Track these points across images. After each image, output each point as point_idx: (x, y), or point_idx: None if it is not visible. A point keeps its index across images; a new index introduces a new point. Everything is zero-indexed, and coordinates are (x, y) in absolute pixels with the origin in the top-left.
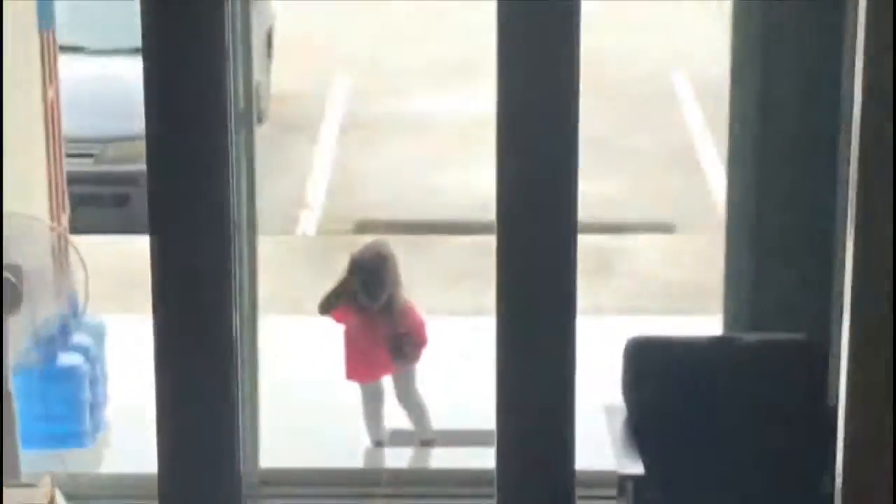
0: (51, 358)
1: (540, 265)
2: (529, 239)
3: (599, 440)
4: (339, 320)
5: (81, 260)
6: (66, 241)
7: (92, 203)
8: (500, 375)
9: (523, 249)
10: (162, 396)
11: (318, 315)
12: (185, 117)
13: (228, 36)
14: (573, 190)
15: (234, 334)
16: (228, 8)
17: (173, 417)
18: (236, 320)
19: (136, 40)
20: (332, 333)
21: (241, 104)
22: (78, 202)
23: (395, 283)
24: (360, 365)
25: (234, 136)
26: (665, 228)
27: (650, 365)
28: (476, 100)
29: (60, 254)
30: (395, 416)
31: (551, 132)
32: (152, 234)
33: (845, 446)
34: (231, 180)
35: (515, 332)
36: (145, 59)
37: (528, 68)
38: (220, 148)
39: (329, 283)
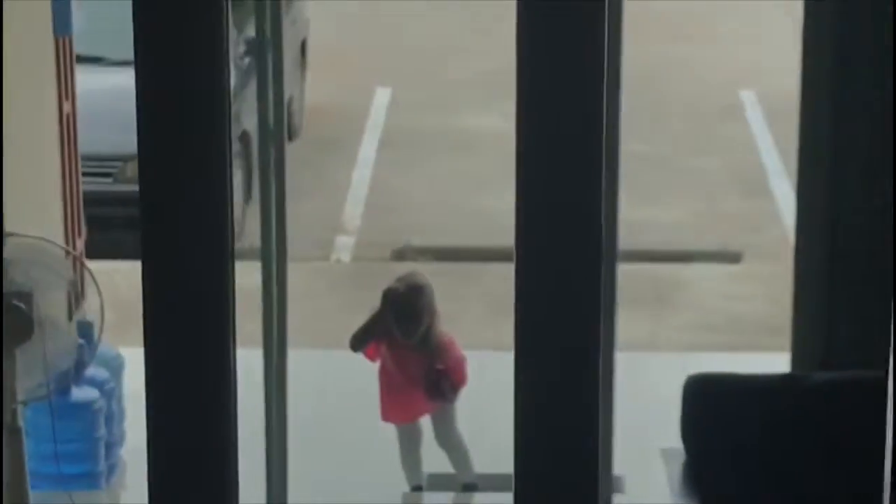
0: (63, 392)
1: (562, 296)
2: (551, 266)
3: (657, 487)
4: (371, 357)
5: (97, 287)
6: (82, 266)
7: (110, 226)
8: (520, 418)
9: (544, 278)
10: (154, 439)
11: (351, 351)
12: (179, 131)
13: (227, 44)
14: (605, 211)
15: (231, 372)
16: (227, 14)
17: (166, 464)
18: (234, 356)
19: None
20: (367, 370)
21: (272, 120)
22: (95, 224)
23: (432, 316)
24: (396, 404)
25: (231, 149)
26: (731, 258)
27: (712, 405)
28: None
29: (75, 280)
30: (434, 459)
31: (579, 148)
32: (145, 260)
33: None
34: (229, 202)
35: (536, 371)
36: (138, 70)
37: (554, 77)
38: (218, 166)
39: (364, 316)
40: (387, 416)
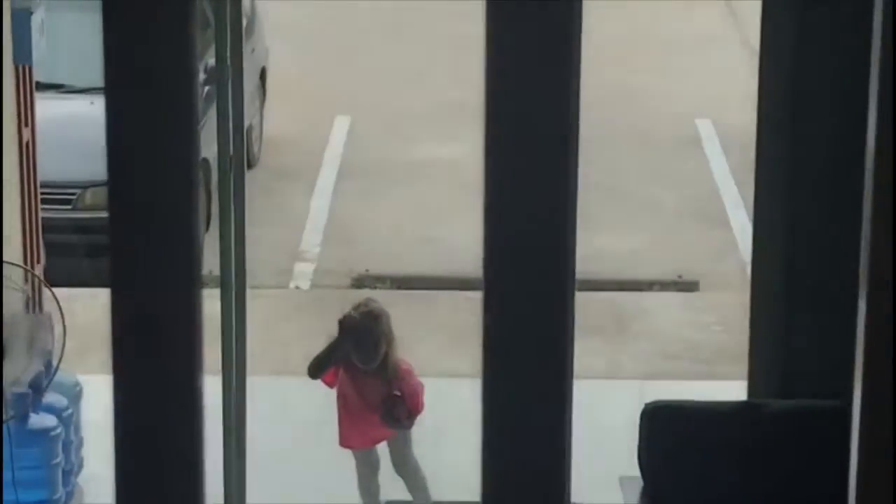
0: (22, 419)
1: (530, 324)
2: (518, 294)
3: None
4: (329, 384)
5: (61, 311)
6: (41, 291)
7: (69, 252)
8: (486, 446)
9: (511, 305)
10: (121, 468)
11: (309, 378)
12: (149, 159)
13: (198, 75)
14: (570, 240)
15: (199, 397)
16: (196, 43)
17: (132, 491)
18: (201, 382)
19: None
20: (326, 397)
21: (231, 148)
22: (54, 251)
23: (390, 342)
24: (353, 431)
25: (196, 179)
26: (688, 287)
27: (669, 433)
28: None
29: (34, 305)
30: (391, 485)
31: (545, 176)
32: (113, 286)
33: None
34: (198, 231)
35: (503, 397)
36: (108, 97)
37: (520, 102)
38: (187, 195)
39: (323, 343)
40: (345, 442)
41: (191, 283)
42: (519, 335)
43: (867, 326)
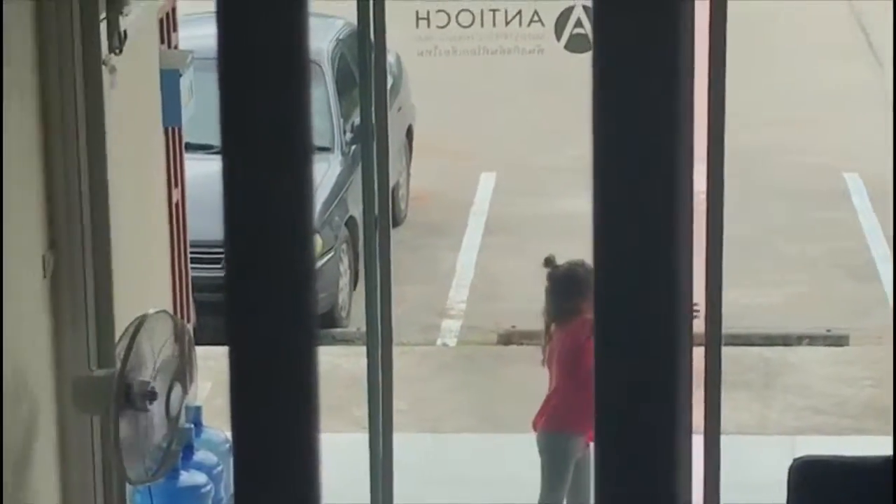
0: (172, 476)
1: (640, 377)
2: (630, 345)
3: None
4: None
5: (191, 358)
6: (192, 348)
7: (219, 312)
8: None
9: (622, 358)
10: None
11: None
12: (264, 217)
13: (312, 130)
14: (709, 293)
15: (315, 452)
16: (310, 99)
17: None
18: (318, 438)
19: None
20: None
21: (377, 206)
22: (204, 310)
23: (589, 296)
24: (574, 406)
25: (309, 236)
26: (837, 341)
27: (819, 489)
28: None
29: (184, 359)
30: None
31: (652, 232)
32: (230, 343)
33: None
34: (313, 286)
35: (615, 450)
36: (224, 155)
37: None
38: (302, 251)
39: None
40: (569, 425)
41: (307, 339)
42: (630, 387)
43: None
